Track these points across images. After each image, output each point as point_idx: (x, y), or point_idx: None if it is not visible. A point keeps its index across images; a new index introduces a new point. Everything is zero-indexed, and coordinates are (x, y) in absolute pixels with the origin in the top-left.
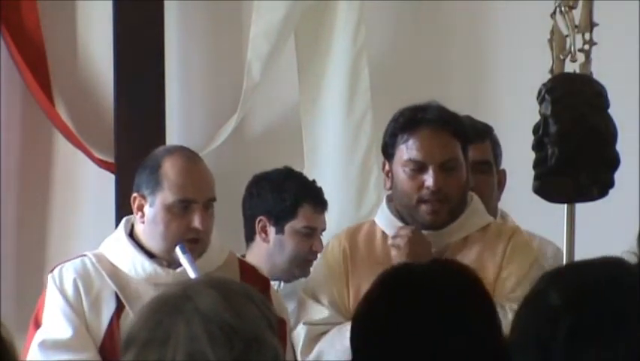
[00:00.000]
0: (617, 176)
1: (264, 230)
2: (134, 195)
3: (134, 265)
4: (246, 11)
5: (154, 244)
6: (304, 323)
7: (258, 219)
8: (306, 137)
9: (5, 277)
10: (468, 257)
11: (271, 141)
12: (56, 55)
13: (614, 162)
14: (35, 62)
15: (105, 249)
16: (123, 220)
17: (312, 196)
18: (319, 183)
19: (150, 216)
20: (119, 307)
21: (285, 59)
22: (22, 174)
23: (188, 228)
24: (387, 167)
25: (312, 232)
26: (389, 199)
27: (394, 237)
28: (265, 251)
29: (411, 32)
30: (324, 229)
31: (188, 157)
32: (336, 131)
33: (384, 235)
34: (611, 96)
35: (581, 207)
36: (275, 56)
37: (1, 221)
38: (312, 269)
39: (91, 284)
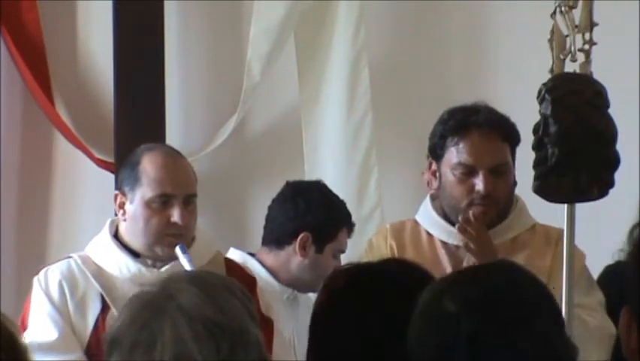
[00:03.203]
0: (617, 176)
1: (304, 246)
2: (116, 192)
3: (118, 265)
4: (246, 11)
5: (135, 241)
6: None
7: (302, 234)
8: (306, 137)
9: (5, 276)
10: (517, 261)
11: (271, 141)
12: (56, 55)
13: (614, 162)
14: (35, 62)
15: (90, 250)
16: (108, 221)
17: (349, 220)
18: None
19: (131, 213)
20: (105, 308)
21: (285, 59)
22: (22, 174)
23: (167, 223)
24: (433, 167)
25: (340, 254)
26: (432, 198)
27: (462, 230)
28: (297, 264)
29: (411, 32)
30: None
31: (167, 153)
32: (336, 131)
33: (429, 235)
34: (611, 96)
35: (581, 207)
36: (275, 56)
37: (1, 221)
38: None
39: (76, 285)
